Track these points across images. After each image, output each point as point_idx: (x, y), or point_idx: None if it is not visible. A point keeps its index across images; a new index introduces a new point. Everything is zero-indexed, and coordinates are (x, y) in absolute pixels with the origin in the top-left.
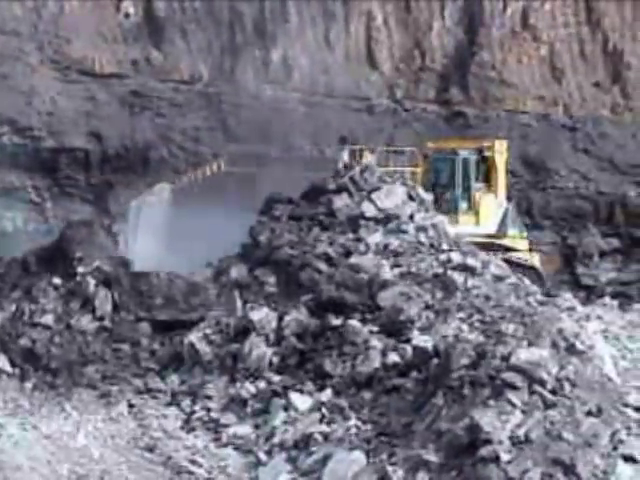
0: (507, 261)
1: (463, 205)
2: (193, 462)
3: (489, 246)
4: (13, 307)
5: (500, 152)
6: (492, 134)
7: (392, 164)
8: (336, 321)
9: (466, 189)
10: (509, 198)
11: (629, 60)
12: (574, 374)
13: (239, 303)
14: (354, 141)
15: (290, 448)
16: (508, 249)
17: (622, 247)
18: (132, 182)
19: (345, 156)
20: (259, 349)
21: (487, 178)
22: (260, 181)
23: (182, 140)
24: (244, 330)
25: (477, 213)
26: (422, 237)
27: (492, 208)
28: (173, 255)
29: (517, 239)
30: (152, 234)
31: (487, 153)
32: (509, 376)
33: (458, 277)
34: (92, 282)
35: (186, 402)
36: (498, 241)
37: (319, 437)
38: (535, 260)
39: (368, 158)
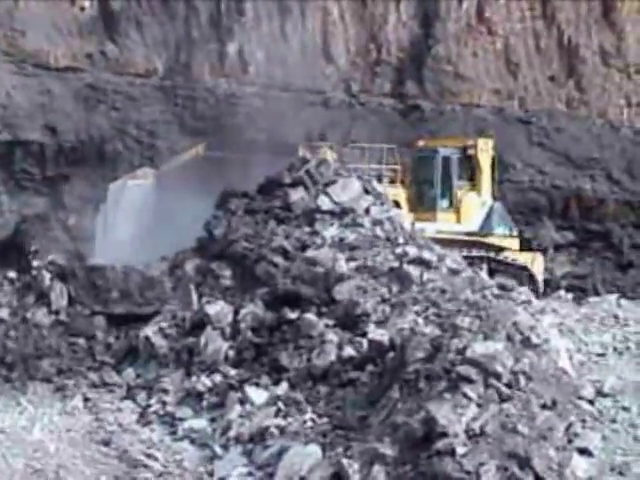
0: (493, 260)
1: (443, 203)
2: (149, 456)
3: (472, 244)
4: None
5: (484, 151)
6: (447, 128)
7: (366, 162)
8: (292, 315)
9: (447, 187)
10: (496, 197)
11: (584, 54)
12: (529, 367)
13: (195, 297)
14: (331, 139)
15: (246, 442)
16: (494, 248)
17: (577, 241)
18: (88, 175)
19: (301, 151)
20: (215, 343)
21: (472, 177)
22: (246, 166)
23: (137, 133)
24: (200, 324)
25: (458, 211)
26: (378, 231)
27: (474, 206)
28: (155, 238)
29: (506, 238)
30: (135, 217)
31: (470, 152)
32: (464, 369)
33: (414, 271)
34: (47, 276)
35: (142, 396)
36: (483, 240)
37: (275, 431)
38: (528, 260)
39: (327, 155)
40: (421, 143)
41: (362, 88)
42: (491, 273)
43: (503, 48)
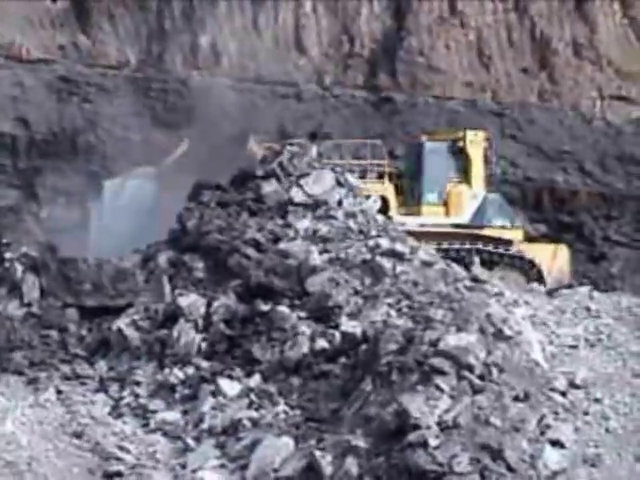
0: (488, 253)
1: (431, 196)
2: (121, 448)
3: (462, 237)
4: None
5: (474, 142)
6: (420, 120)
7: (349, 157)
8: (265, 307)
9: (435, 180)
10: (493, 189)
11: (556, 46)
12: (502, 359)
13: (167, 289)
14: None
15: (219, 434)
16: (491, 240)
17: (550, 233)
18: (60, 168)
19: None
20: (187, 335)
21: (465, 169)
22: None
23: (110, 125)
24: (172, 316)
25: (446, 204)
26: (351, 223)
27: (465, 199)
28: (154, 235)
29: (506, 230)
30: (133, 214)
31: (460, 144)
32: (437, 361)
33: (386, 263)
34: (19, 268)
35: (114, 388)
36: (476, 232)
37: (248, 423)
38: (549, 252)
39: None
40: (423, 137)
41: (335, 80)
42: (490, 266)
43: (475, 40)
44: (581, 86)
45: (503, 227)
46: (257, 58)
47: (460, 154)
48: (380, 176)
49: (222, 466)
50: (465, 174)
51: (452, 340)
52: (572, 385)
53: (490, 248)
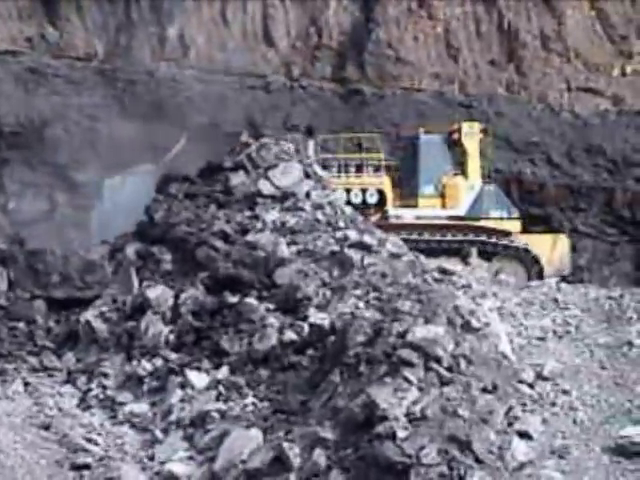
0: (486, 244)
1: (427, 188)
2: (89, 440)
3: (459, 229)
4: None
5: (469, 134)
6: (388, 112)
7: (344, 152)
8: (233, 299)
9: (431, 173)
10: (490, 180)
11: (524, 38)
12: (470, 351)
13: (135, 281)
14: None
15: (187, 426)
16: (488, 231)
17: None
18: (28, 159)
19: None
20: (155, 327)
21: (461, 161)
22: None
23: (78, 117)
24: (140, 308)
25: (443, 196)
26: (319, 215)
27: (461, 191)
28: None
29: (504, 221)
30: (134, 211)
31: (456, 136)
32: (405, 353)
33: (355, 255)
34: None
35: (82, 380)
36: (472, 224)
37: (216, 415)
38: (549, 242)
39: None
40: (421, 130)
41: (303, 72)
42: (488, 257)
43: (443, 33)
44: (549, 78)
45: (500, 218)
46: (225, 49)
47: (456, 146)
48: (377, 169)
49: (190, 458)
50: (461, 166)
51: (420, 332)
52: (540, 377)
53: (491, 239)
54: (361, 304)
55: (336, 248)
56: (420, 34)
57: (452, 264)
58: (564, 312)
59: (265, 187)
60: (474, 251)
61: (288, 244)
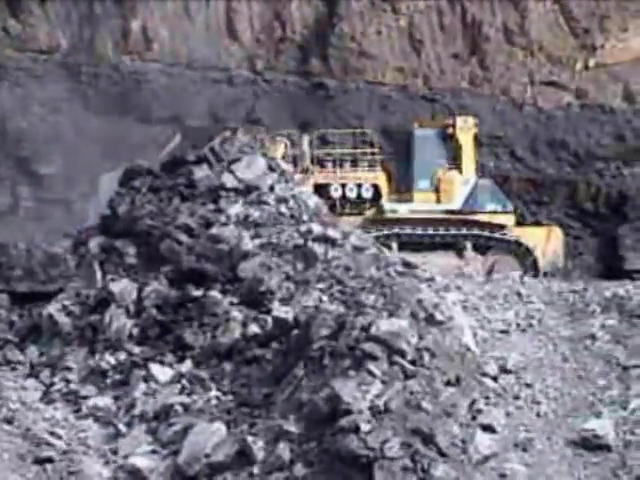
0: (480, 237)
1: (422, 183)
2: (52, 434)
3: (454, 223)
4: None
5: (463, 129)
6: (351, 105)
7: (337, 147)
8: (196, 292)
9: (426, 167)
10: (483, 174)
11: (487, 32)
12: (433, 344)
13: (99, 274)
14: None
15: (150, 419)
16: (484, 225)
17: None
18: None
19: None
20: (119, 320)
21: (455, 156)
22: None
23: (41, 111)
24: (104, 301)
25: (438, 190)
26: (283, 208)
27: (456, 185)
28: None
29: (498, 215)
30: None
31: (449, 130)
32: (369, 346)
33: (318, 248)
34: None
35: (45, 374)
36: (467, 218)
37: (179, 408)
38: (542, 235)
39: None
40: (415, 125)
41: (266, 65)
42: (482, 251)
43: (407, 26)
44: (512, 72)
45: (495, 212)
46: (189, 43)
47: (450, 141)
48: (372, 164)
49: (154, 452)
50: (456, 160)
51: (384, 325)
52: (503, 370)
53: (485, 233)
54: (325, 297)
55: (300, 242)
56: (383, 28)
57: (447, 258)
58: (527, 305)
59: (229, 180)
60: (469, 245)
61: (252, 237)
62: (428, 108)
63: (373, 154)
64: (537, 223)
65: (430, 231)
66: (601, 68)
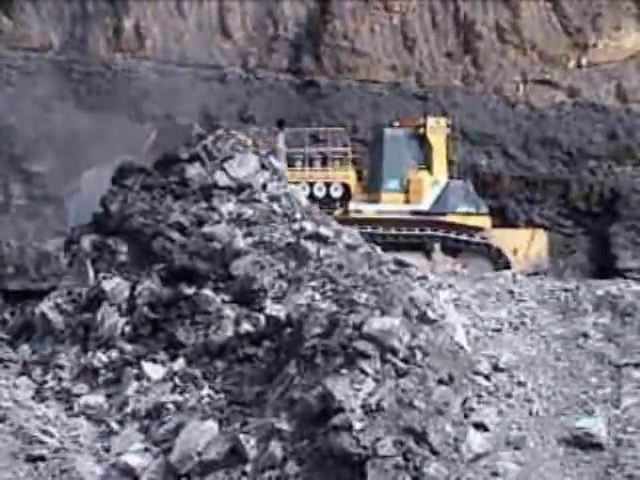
0: (449, 239)
1: (391, 183)
2: (44, 432)
3: (423, 224)
4: None
5: (435, 129)
6: (344, 103)
7: (309, 146)
8: (189, 290)
9: (396, 167)
10: (459, 175)
11: (480, 30)
12: (426, 342)
13: (91, 272)
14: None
15: (142, 417)
16: (456, 227)
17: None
18: None
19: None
20: (111, 318)
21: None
22: None
23: (33, 109)
24: (96, 300)
25: (407, 191)
26: (275, 206)
27: (425, 186)
28: None
29: (471, 216)
30: None
31: (421, 131)
32: (361, 345)
33: (311, 246)
34: None
35: (37, 372)
36: (436, 219)
37: (171, 406)
38: (526, 238)
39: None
40: (396, 124)
41: (259, 63)
42: (453, 253)
43: (400, 24)
44: (505, 70)
45: (468, 214)
46: (181, 41)
47: (422, 141)
48: (343, 163)
49: (146, 450)
50: (426, 161)
51: (376, 323)
52: (496, 368)
53: (450, 235)
54: (317, 296)
55: (292, 240)
56: (376, 26)
57: (415, 259)
58: (520, 304)
59: (221, 179)
60: (437, 246)
61: (244, 236)
62: (420, 106)
63: (345, 153)
64: (528, 223)
65: (393, 231)
66: (594, 67)
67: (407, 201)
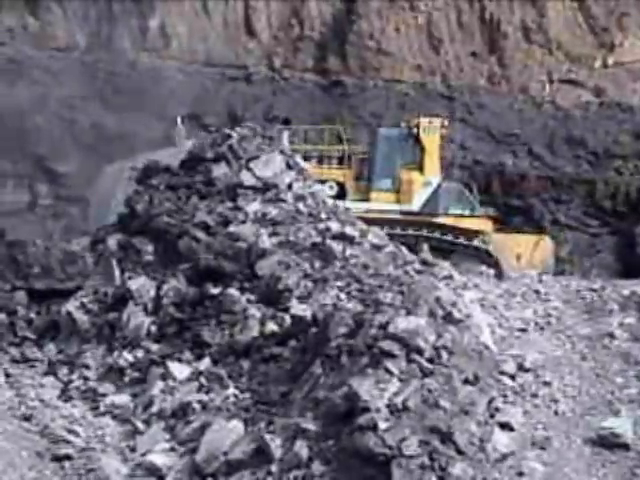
0: (441, 241)
1: (383, 183)
2: (70, 431)
3: (412, 224)
4: None
5: (427, 130)
6: (369, 103)
7: (310, 144)
8: (214, 290)
9: (389, 167)
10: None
11: (506, 30)
12: (451, 342)
13: (117, 272)
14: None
15: (168, 417)
16: (447, 229)
17: (499, 216)
18: (7, 151)
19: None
20: (137, 318)
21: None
22: None
23: (58, 108)
24: (122, 299)
25: (398, 191)
26: (301, 206)
27: (415, 186)
28: None
29: (464, 218)
30: None
31: (414, 131)
32: (387, 345)
33: (336, 246)
34: None
35: (63, 371)
36: (427, 219)
37: (197, 406)
38: (516, 242)
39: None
40: (402, 123)
41: (284, 63)
42: (444, 255)
43: (425, 24)
44: (530, 70)
45: (461, 215)
46: (207, 41)
47: (415, 141)
48: (340, 162)
49: (172, 449)
50: (419, 161)
51: (402, 323)
52: (521, 368)
53: (435, 235)
54: (343, 295)
55: (318, 239)
56: (402, 25)
57: None
58: (545, 304)
59: (247, 178)
60: (425, 247)
61: (269, 235)
62: (446, 106)
63: (341, 151)
64: (553, 223)
65: (385, 231)
66: (620, 66)
67: (398, 201)
